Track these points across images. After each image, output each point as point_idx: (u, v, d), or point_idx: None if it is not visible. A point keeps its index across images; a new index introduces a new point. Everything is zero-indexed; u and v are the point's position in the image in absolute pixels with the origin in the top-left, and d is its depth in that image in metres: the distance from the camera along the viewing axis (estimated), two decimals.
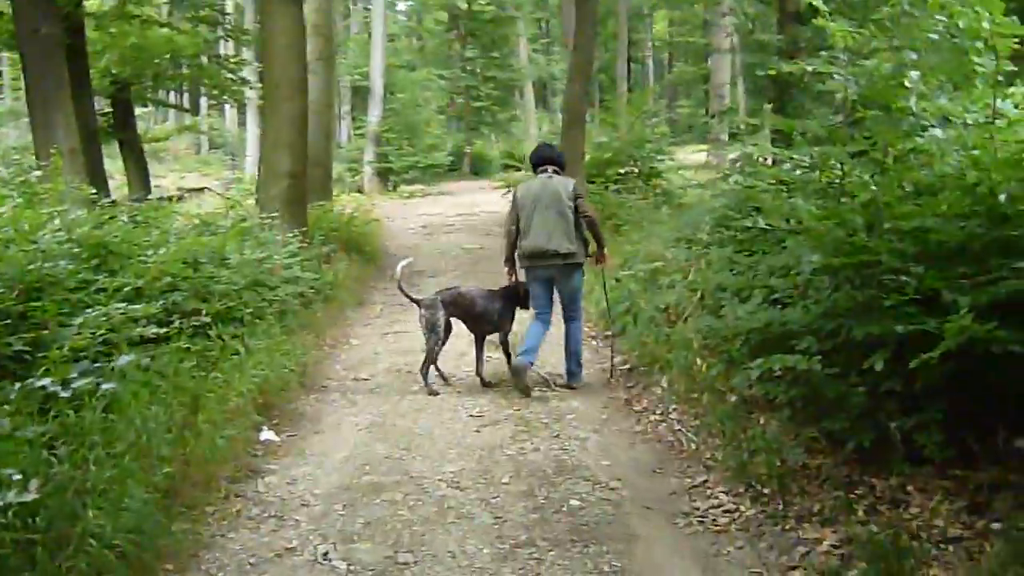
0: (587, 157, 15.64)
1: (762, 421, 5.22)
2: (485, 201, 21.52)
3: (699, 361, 5.83)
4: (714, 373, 5.58)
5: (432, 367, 6.63)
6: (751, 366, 4.76)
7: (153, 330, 5.07)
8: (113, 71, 14.78)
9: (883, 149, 4.74)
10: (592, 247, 6.75)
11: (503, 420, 5.80)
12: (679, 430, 5.45)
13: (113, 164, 17.62)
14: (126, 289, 5.52)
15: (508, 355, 6.70)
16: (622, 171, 15.90)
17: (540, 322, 6.68)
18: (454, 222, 18.28)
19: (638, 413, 5.94)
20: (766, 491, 4.36)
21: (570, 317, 6.71)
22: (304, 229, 9.75)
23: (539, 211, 6.48)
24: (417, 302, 6.71)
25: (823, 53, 8.19)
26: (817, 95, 8.70)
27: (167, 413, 4.55)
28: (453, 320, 6.74)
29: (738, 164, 8.74)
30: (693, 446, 5.15)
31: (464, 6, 32.41)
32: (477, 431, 5.60)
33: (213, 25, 14.77)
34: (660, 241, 9.62)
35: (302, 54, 10.22)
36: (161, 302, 5.43)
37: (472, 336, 6.92)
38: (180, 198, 18.63)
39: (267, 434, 5.43)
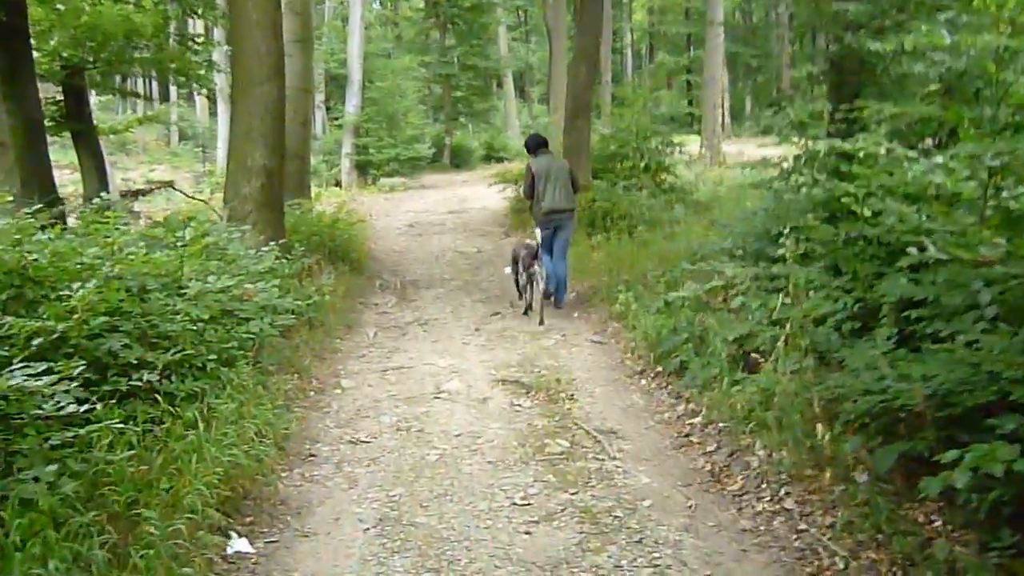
0: None
1: (921, 519, 3.82)
2: (473, 196, 19.98)
3: (820, 428, 4.37)
4: (849, 448, 4.13)
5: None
6: (944, 458, 3.31)
7: (71, 406, 3.50)
8: (63, 54, 13.03)
9: None
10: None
11: (559, 512, 4.24)
12: (805, 530, 3.98)
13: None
14: (39, 340, 3.98)
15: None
16: (630, 165, 14.47)
17: (548, 257, 8.83)
18: (444, 220, 16.73)
19: (736, 497, 4.43)
20: None
21: (562, 256, 9.07)
22: (283, 240, 8.15)
23: (551, 181, 8.80)
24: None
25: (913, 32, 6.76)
26: (899, 78, 7.21)
27: (82, 545, 3.02)
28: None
29: (803, 160, 7.28)
30: (840, 563, 3.66)
31: None
32: (528, 533, 4.03)
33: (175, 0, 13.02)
34: (688, 248, 8.27)
35: (277, 29, 8.62)
36: (82, 364, 3.79)
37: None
38: (145, 193, 16.93)
39: (237, 544, 3.86)
